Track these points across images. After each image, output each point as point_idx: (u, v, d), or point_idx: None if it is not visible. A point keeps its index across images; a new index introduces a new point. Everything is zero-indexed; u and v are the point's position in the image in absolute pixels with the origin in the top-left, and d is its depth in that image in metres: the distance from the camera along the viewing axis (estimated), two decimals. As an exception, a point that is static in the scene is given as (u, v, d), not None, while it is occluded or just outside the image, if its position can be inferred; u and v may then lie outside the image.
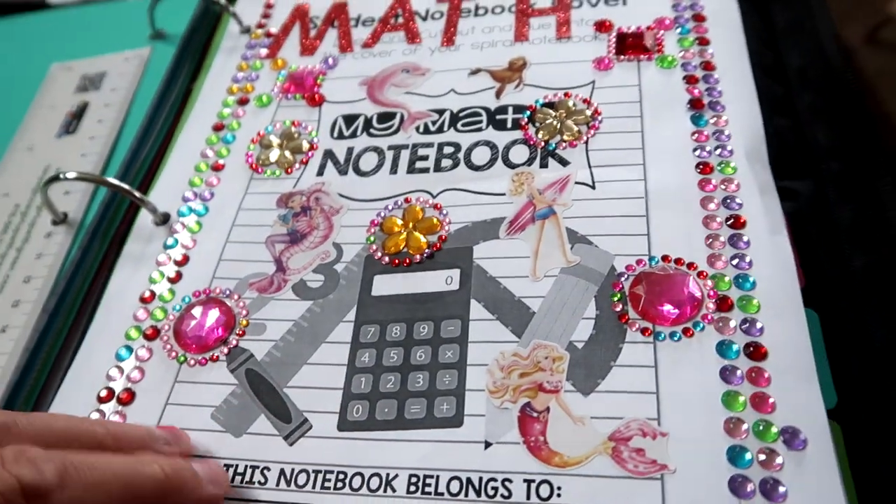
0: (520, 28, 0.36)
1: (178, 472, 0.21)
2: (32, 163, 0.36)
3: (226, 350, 0.27)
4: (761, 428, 0.21)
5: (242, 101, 0.36)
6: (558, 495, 0.21)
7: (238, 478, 0.23)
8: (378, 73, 0.35)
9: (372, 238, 0.29)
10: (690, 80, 0.31)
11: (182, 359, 0.27)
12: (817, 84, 0.30)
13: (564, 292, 0.25)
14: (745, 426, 0.21)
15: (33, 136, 0.37)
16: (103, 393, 0.26)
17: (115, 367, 0.27)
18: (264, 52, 0.38)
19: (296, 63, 0.37)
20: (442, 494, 0.22)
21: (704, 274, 0.25)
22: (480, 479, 0.22)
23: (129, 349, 0.27)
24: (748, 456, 0.21)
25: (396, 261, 0.28)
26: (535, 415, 0.23)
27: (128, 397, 0.26)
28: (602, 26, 0.35)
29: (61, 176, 0.30)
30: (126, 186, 0.31)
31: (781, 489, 0.20)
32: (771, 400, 0.22)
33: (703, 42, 0.33)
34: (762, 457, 0.21)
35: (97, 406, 0.26)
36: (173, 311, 0.28)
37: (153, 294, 0.29)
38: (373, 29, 0.38)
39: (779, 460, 0.20)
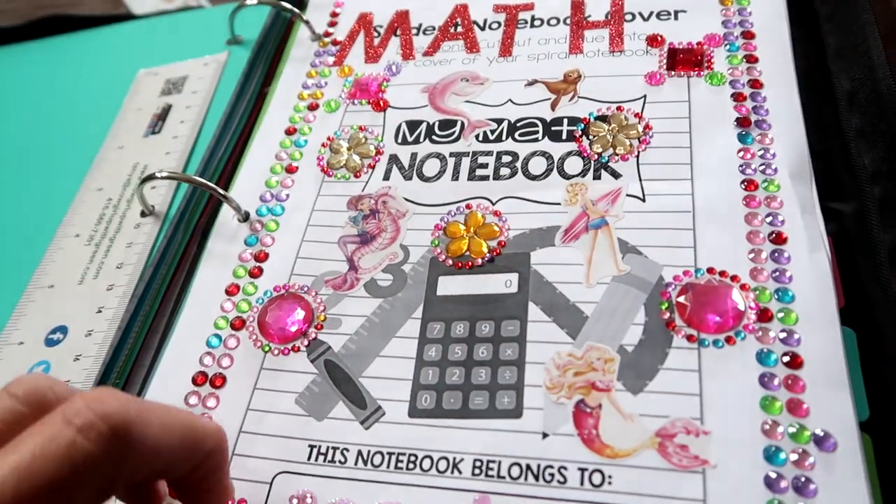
0: (574, 40, 0.38)
1: (223, 437, 0.23)
2: (122, 160, 0.39)
3: (306, 342, 0.30)
4: (795, 430, 0.23)
5: (312, 107, 0.38)
6: (609, 483, 0.24)
7: (321, 457, 0.26)
8: (439, 80, 0.37)
9: (436, 241, 0.31)
10: (738, 97, 0.33)
11: (266, 348, 0.30)
12: (866, 107, 0.31)
13: (616, 299, 0.28)
14: (780, 428, 0.24)
15: (123, 136, 0.40)
16: (198, 377, 0.30)
17: (207, 353, 0.30)
18: (331, 59, 0.40)
19: (361, 70, 0.39)
20: (504, 478, 0.24)
21: (747, 286, 0.27)
22: (538, 465, 0.24)
23: (219, 337, 0.31)
24: (783, 455, 0.23)
25: (459, 263, 0.30)
26: (588, 410, 0.25)
27: (220, 382, 0.29)
28: (654, 41, 0.36)
29: (157, 175, 0.34)
30: (212, 185, 0.34)
31: (812, 486, 0.22)
32: (805, 406, 0.24)
33: (752, 59, 0.34)
34: (795, 457, 0.23)
35: (192, 388, 0.29)
36: (256, 304, 0.31)
37: (238, 287, 0.32)
38: (433, 37, 0.40)
39: (810, 460, 0.23)
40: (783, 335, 0.25)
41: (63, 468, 0.17)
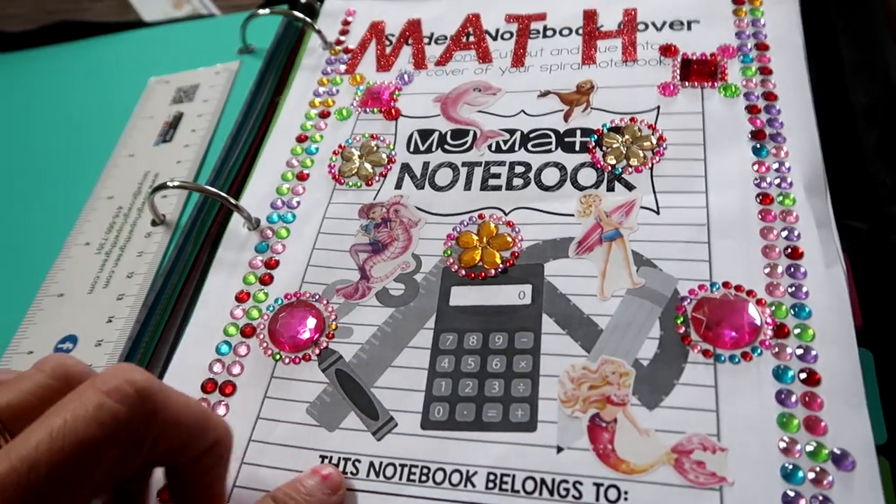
0: (587, 51, 0.37)
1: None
2: (133, 169, 0.39)
3: (317, 351, 0.30)
4: (813, 449, 0.23)
5: (324, 115, 0.38)
6: (625, 499, 0.23)
7: (327, 458, 0.26)
8: (451, 90, 0.37)
9: (449, 251, 0.31)
10: (753, 109, 0.33)
11: (277, 356, 0.30)
12: (884, 123, 0.31)
13: (630, 312, 0.28)
14: (798, 446, 0.23)
15: (134, 144, 0.40)
16: (207, 384, 0.29)
17: (217, 360, 0.30)
18: (343, 67, 0.40)
19: (373, 78, 0.39)
20: (518, 492, 0.24)
21: (763, 301, 0.27)
22: (553, 479, 0.24)
23: (229, 345, 0.30)
24: (801, 474, 0.23)
25: (472, 274, 0.30)
26: (603, 424, 0.25)
27: (230, 389, 0.29)
28: (667, 51, 0.36)
29: (168, 184, 0.33)
30: (223, 194, 0.34)
31: (831, 499, 0.22)
32: (823, 423, 0.24)
33: (766, 71, 0.34)
34: (813, 475, 0.23)
35: (202, 395, 0.29)
36: (267, 311, 0.31)
37: (248, 294, 0.32)
38: (445, 47, 0.40)
39: (829, 479, 0.23)
40: (800, 351, 0.25)
41: (92, 427, 0.17)
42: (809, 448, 0.23)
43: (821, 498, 0.22)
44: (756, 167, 0.31)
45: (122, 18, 0.49)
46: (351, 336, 0.30)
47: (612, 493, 0.23)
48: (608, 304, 0.28)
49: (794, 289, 0.27)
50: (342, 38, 0.42)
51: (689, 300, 0.27)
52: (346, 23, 0.43)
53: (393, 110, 0.37)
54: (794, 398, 0.24)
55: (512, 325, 0.28)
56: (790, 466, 0.23)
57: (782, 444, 0.23)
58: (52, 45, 0.48)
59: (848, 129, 0.32)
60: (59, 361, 0.21)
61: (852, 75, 0.34)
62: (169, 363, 0.31)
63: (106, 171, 0.39)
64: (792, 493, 0.22)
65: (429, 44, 0.40)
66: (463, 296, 0.30)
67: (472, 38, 0.40)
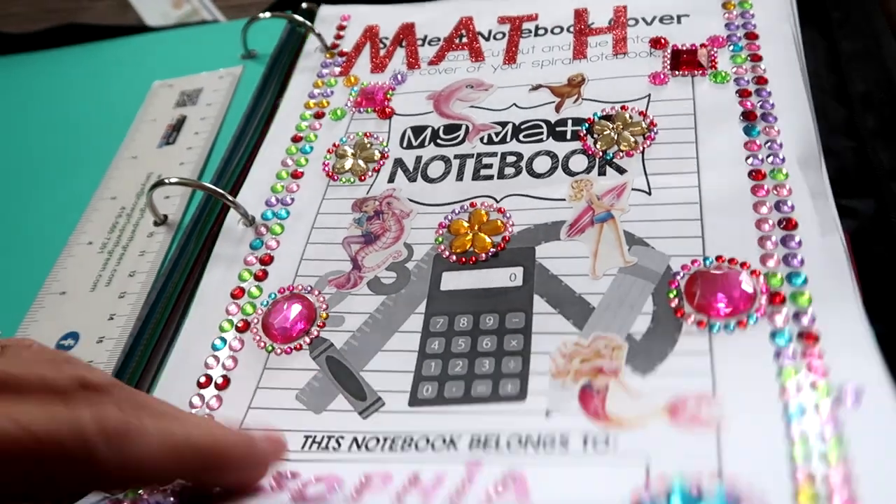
0: (578, 46, 0.38)
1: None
2: (136, 170, 0.40)
3: (308, 340, 0.29)
4: (816, 386, 0.22)
5: (318, 115, 0.39)
6: (615, 447, 0.22)
7: (315, 445, 0.26)
8: (444, 88, 0.38)
9: (440, 239, 0.31)
10: (743, 93, 0.33)
11: (270, 348, 0.30)
12: (881, 108, 0.31)
13: (623, 290, 0.27)
14: (798, 383, 0.22)
15: (137, 146, 0.41)
16: (202, 379, 0.29)
17: (212, 356, 0.30)
18: (338, 70, 0.41)
19: (367, 79, 0.40)
20: (499, 448, 0.23)
21: (757, 272, 0.26)
22: (539, 436, 0.23)
23: (224, 340, 0.30)
24: (801, 404, 0.22)
25: (463, 259, 0.30)
26: (594, 392, 0.24)
27: (224, 383, 0.29)
28: (657, 43, 0.36)
29: (166, 181, 0.34)
30: (220, 190, 0.34)
31: (834, 429, 0.21)
32: (824, 366, 0.23)
33: (756, 59, 0.34)
34: (818, 409, 0.22)
35: (197, 391, 0.29)
36: (261, 306, 0.31)
37: (242, 290, 0.32)
38: (438, 48, 0.40)
39: (833, 408, 0.22)
40: (796, 316, 0.25)
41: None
42: (812, 386, 0.22)
43: (829, 426, 0.21)
44: (748, 146, 0.30)
45: (122, 18, 0.50)
46: (342, 324, 0.29)
47: (601, 445, 0.23)
48: (600, 283, 0.28)
49: (788, 258, 0.26)
50: (337, 41, 0.43)
51: (681, 275, 0.27)
52: (341, 27, 0.44)
53: (387, 109, 0.38)
54: (791, 352, 0.23)
55: (503, 307, 0.28)
56: (792, 405, 0.22)
57: (783, 391, 0.22)
58: (57, 48, 0.49)
59: (845, 115, 0.32)
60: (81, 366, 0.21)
61: (849, 64, 0.34)
62: (165, 361, 0.31)
63: (109, 172, 0.40)
64: (795, 426, 0.21)
65: (422, 45, 0.41)
66: (454, 280, 0.30)
67: (464, 40, 0.40)
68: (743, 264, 0.26)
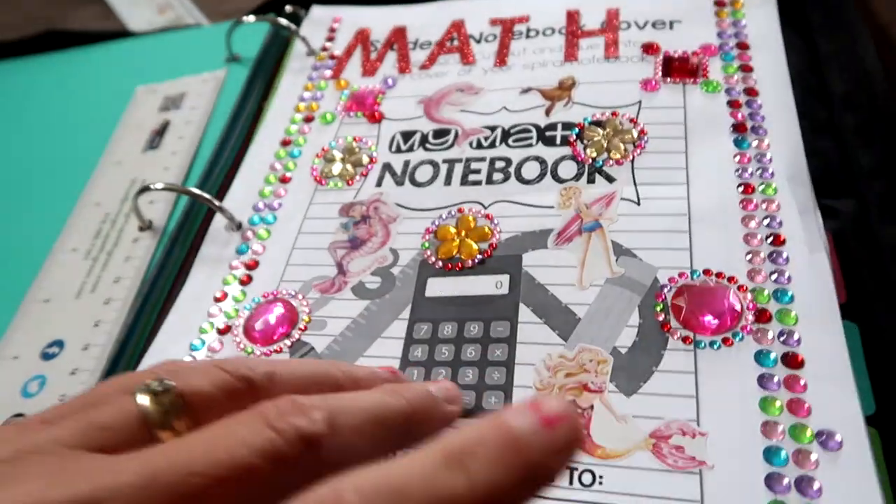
0: (569, 49, 0.37)
1: (421, 399, 0.20)
2: (120, 176, 0.39)
3: (289, 343, 0.29)
4: (797, 430, 0.22)
5: (308, 119, 0.38)
6: (600, 483, 0.22)
7: None
8: (434, 92, 0.38)
9: (426, 244, 0.31)
10: (734, 104, 0.32)
11: (248, 350, 0.29)
12: (861, 107, 0.31)
13: (609, 301, 0.27)
14: (780, 427, 0.22)
15: (121, 151, 0.40)
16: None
17: (189, 356, 0.29)
18: (328, 73, 0.41)
19: (357, 84, 0.39)
20: None
21: (744, 287, 0.26)
22: None
23: (203, 342, 0.30)
24: (783, 454, 0.22)
25: (449, 265, 0.30)
26: (579, 411, 0.24)
27: (202, 385, 0.29)
28: (650, 49, 0.36)
29: (151, 186, 0.34)
30: (206, 195, 0.34)
31: (816, 485, 0.21)
32: (807, 405, 0.23)
33: (747, 69, 0.34)
34: (798, 456, 0.22)
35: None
36: (244, 311, 0.31)
37: (226, 294, 0.32)
38: (429, 51, 0.40)
39: (813, 457, 0.21)
40: (782, 336, 0.24)
41: (253, 458, 0.16)
42: (793, 430, 0.22)
43: (806, 479, 0.21)
44: (737, 158, 0.30)
45: (105, 25, 0.50)
46: (324, 328, 0.29)
47: (587, 478, 0.22)
48: (587, 293, 0.27)
49: (776, 275, 0.26)
50: (328, 44, 0.42)
51: (668, 287, 0.27)
52: (332, 30, 0.43)
53: (376, 114, 0.37)
54: (776, 380, 0.23)
55: (488, 315, 0.28)
56: (773, 448, 0.22)
57: (765, 428, 0.22)
58: (40, 55, 0.49)
59: (826, 115, 0.32)
60: (240, 363, 0.19)
61: (828, 64, 0.34)
62: (139, 362, 0.30)
63: (93, 178, 0.39)
64: (775, 475, 0.21)
65: (413, 49, 0.41)
66: (439, 286, 0.29)
67: (456, 43, 0.40)
68: (730, 279, 0.26)
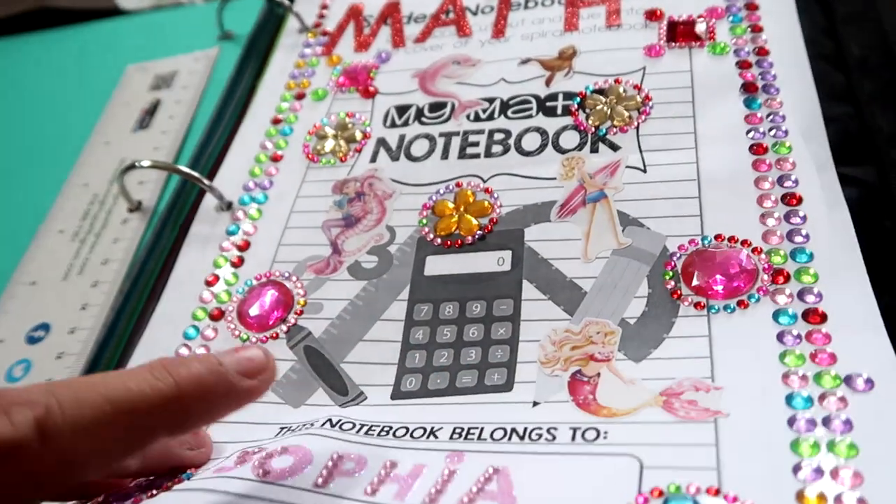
0: (570, 18, 0.36)
1: (195, 377, 0.18)
2: (109, 156, 0.38)
3: (285, 328, 0.28)
4: (822, 376, 0.21)
5: (299, 96, 0.37)
6: (605, 437, 0.21)
7: (288, 432, 0.24)
8: (430, 65, 0.36)
9: (424, 221, 0.30)
10: (743, 65, 0.31)
11: (244, 338, 0.28)
12: (879, 72, 0.30)
13: (616, 273, 0.26)
14: (802, 373, 0.21)
15: (110, 131, 0.39)
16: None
17: (184, 345, 0.29)
18: (320, 49, 0.39)
19: (350, 59, 0.38)
20: (484, 440, 0.22)
21: (759, 249, 0.24)
22: (525, 428, 0.22)
23: (196, 329, 0.29)
24: (807, 396, 0.20)
25: (448, 242, 0.29)
26: (585, 379, 0.23)
27: (195, 371, 0.27)
28: (653, 15, 0.35)
29: (137, 164, 0.33)
30: (194, 173, 0.33)
31: (844, 417, 0.20)
32: (831, 352, 0.21)
33: (756, 29, 0.32)
34: (823, 400, 0.20)
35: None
36: (237, 294, 0.30)
37: (217, 277, 0.31)
38: (424, 25, 0.39)
39: (840, 395, 0.20)
40: (802, 295, 0.23)
41: None
42: (819, 377, 0.21)
43: (833, 416, 0.20)
44: (748, 119, 0.29)
45: (96, 3, 0.48)
46: (321, 311, 0.28)
47: (591, 434, 0.21)
48: (592, 266, 0.26)
49: (793, 235, 0.25)
50: (320, 20, 0.41)
51: (678, 255, 0.25)
52: (324, 6, 0.42)
53: (370, 89, 0.36)
54: (795, 334, 0.22)
55: (490, 293, 0.26)
56: (795, 394, 0.20)
57: (785, 378, 0.21)
58: (30, 33, 0.48)
59: (844, 81, 0.31)
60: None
61: (844, 27, 0.33)
62: (133, 350, 0.29)
63: (81, 158, 0.38)
64: (798, 417, 0.20)
65: (408, 23, 0.39)
66: (438, 265, 0.28)
67: (451, 16, 0.39)
68: (744, 242, 0.25)
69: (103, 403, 0.16)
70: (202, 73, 0.41)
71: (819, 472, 0.19)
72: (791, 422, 0.20)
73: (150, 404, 0.17)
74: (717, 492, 0.18)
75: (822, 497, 0.18)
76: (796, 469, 0.19)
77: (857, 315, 0.22)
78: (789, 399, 0.21)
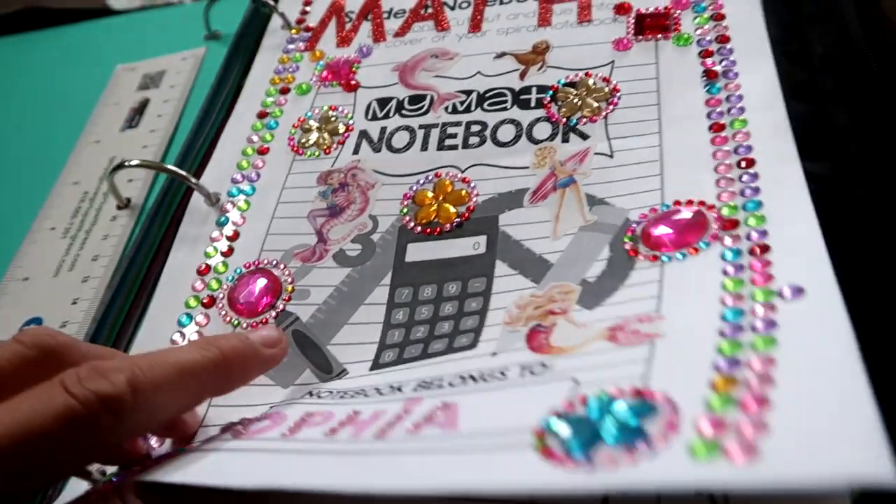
0: (543, 14, 0.38)
1: (234, 347, 0.23)
2: (99, 154, 0.39)
3: (274, 314, 0.29)
4: (758, 293, 0.22)
5: (284, 91, 0.38)
6: (549, 370, 0.22)
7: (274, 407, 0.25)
8: (409, 58, 0.38)
9: (405, 210, 0.31)
10: (705, 53, 0.32)
11: (236, 323, 0.29)
12: (840, 68, 0.31)
13: (581, 245, 0.27)
14: (740, 292, 0.22)
15: (100, 130, 0.40)
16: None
17: (178, 332, 0.30)
18: (303, 45, 0.40)
19: (333, 54, 0.39)
20: (442, 387, 0.23)
21: (712, 206, 0.26)
22: (481, 372, 0.23)
23: (189, 316, 0.30)
24: (741, 309, 0.21)
25: (428, 230, 0.30)
26: (543, 329, 0.24)
27: (189, 356, 0.29)
28: (621, 9, 0.36)
29: (126, 164, 0.34)
30: (181, 171, 0.34)
31: (769, 318, 0.20)
32: (770, 273, 0.22)
33: (719, 17, 0.34)
34: (755, 309, 0.21)
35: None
36: (227, 282, 0.31)
37: (208, 267, 0.32)
38: (404, 19, 0.40)
39: (772, 303, 0.21)
40: (749, 236, 0.24)
41: (52, 422, 0.18)
42: (752, 294, 0.22)
43: (767, 321, 0.20)
44: (709, 103, 0.30)
45: (86, 3, 0.49)
46: (308, 298, 0.29)
47: (538, 369, 0.22)
48: (560, 242, 0.28)
49: (745, 190, 0.26)
50: (303, 17, 0.42)
51: (639, 223, 0.27)
52: (307, 2, 0.43)
53: (352, 83, 0.37)
54: (739, 264, 0.23)
55: (466, 274, 0.28)
56: (730, 309, 0.22)
57: (723, 298, 0.22)
58: (19, 33, 0.48)
59: (806, 78, 0.32)
60: (37, 332, 0.21)
61: (809, 26, 0.34)
62: (130, 346, 0.31)
63: (72, 157, 0.39)
64: (729, 325, 0.21)
65: (388, 18, 0.40)
66: (419, 251, 0.30)
67: (430, 10, 0.40)
68: (700, 202, 0.26)
69: (171, 368, 0.21)
70: (189, 72, 0.42)
71: (735, 362, 0.19)
72: (721, 332, 0.21)
73: (203, 368, 0.22)
74: (638, 392, 0.19)
75: (729, 380, 0.19)
76: (716, 365, 0.19)
77: (799, 244, 0.23)
78: (723, 315, 0.22)
